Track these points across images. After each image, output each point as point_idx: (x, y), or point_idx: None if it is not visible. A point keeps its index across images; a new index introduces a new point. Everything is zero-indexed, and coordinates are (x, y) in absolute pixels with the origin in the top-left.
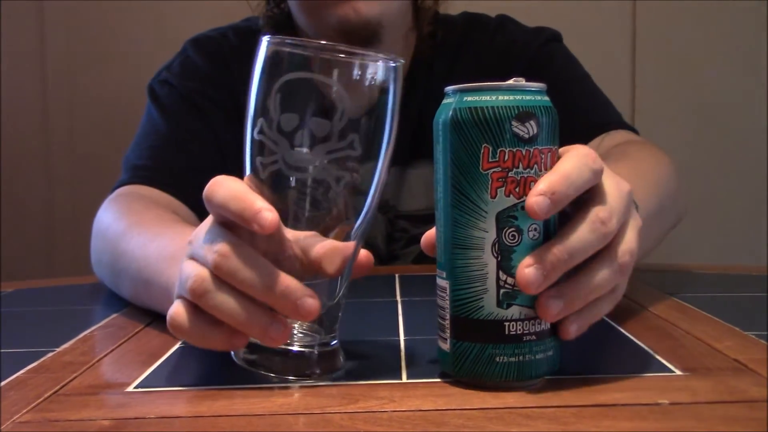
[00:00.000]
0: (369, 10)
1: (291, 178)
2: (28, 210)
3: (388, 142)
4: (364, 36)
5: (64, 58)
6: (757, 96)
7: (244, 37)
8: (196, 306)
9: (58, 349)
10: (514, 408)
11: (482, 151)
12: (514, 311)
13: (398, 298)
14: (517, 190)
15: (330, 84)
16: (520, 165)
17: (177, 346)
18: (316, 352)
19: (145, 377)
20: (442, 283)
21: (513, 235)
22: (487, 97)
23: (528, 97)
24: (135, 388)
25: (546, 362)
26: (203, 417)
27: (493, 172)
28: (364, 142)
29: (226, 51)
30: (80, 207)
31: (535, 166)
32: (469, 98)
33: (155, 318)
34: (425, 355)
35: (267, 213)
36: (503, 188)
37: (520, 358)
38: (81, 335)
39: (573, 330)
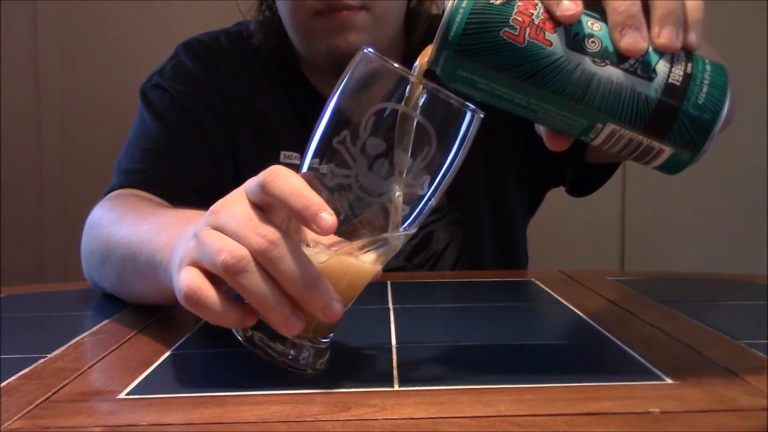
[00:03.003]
0: (360, 41)
1: (356, 196)
2: (19, 216)
3: (442, 184)
4: None
5: (57, 63)
6: (758, 98)
7: (235, 41)
8: (213, 279)
9: (49, 356)
10: (506, 416)
11: (507, 38)
12: (661, 68)
13: (390, 305)
14: (552, 22)
15: (427, 128)
16: (532, 11)
17: (168, 353)
18: (308, 345)
19: (136, 384)
20: (605, 133)
21: (592, 42)
22: (456, 16)
23: None
24: (126, 395)
25: (716, 64)
26: (195, 424)
27: (529, 34)
28: (432, 183)
29: (217, 55)
30: (71, 213)
31: (536, 1)
32: (450, 36)
33: (147, 325)
34: (418, 363)
35: (328, 216)
36: (544, 32)
37: (705, 83)
38: (72, 341)
39: (695, 40)
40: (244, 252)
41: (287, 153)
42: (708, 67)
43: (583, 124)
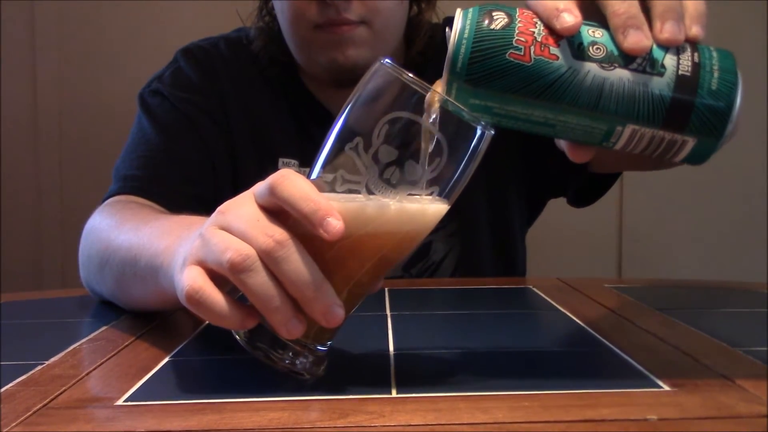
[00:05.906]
0: (358, 56)
1: (365, 202)
2: (16, 222)
3: (450, 197)
4: (352, 77)
5: (55, 70)
6: (757, 102)
7: (235, 48)
8: (216, 280)
9: (47, 362)
10: (504, 423)
11: (514, 59)
12: (669, 62)
13: (388, 311)
14: (554, 37)
15: (440, 139)
16: (533, 29)
17: (166, 359)
18: (307, 352)
19: (134, 391)
20: (626, 135)
21: (596, 49)
22: (461, 47)
23: (467, 10)
24: (124, 401)
25: (722, 50)
26: (193, 431)
27: (534, 51)
28: (439, 195)
29: (217, 61)
30: (69, 218)
31: (535, 20)
32: (458, 67)
33: (145, 331)
34: (415, 370)
35: (335, 221)
36: (549, 47)
37: (715, 69)
38: (70, 348)
39: (698, 31)
40: (250, 251)
41: (285, 160)
42: (714, 54)
43: (602, 131)
